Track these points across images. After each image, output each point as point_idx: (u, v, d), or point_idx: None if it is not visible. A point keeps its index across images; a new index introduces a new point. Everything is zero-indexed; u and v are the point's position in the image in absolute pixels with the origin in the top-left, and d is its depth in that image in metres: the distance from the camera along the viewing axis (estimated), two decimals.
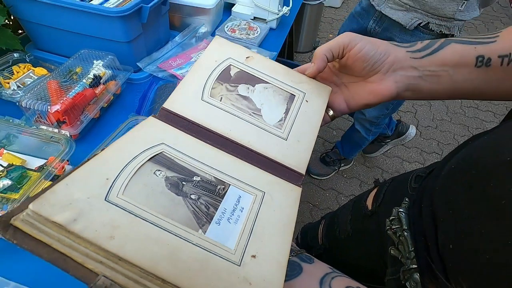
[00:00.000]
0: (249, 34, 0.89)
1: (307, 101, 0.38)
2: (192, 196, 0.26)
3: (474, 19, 0.91)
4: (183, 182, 0.27)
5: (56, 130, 0.52)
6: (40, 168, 0.49)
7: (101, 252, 0.21)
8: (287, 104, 0.37)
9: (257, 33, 0.90)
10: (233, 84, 0.36)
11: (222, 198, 0.27)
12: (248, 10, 0.97)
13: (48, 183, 0.45)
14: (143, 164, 0.27)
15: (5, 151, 0.50)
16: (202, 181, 0.28)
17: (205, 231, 0.24)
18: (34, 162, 0.51)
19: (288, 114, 0.36)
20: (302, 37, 2.20)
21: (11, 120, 0.51)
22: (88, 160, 0.26)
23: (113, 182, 0.24)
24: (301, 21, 2.08)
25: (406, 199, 0.40)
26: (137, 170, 0.26)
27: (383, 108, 1.19)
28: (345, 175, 1.61)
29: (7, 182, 0.46)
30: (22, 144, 0.52)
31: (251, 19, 0.96)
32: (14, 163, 0.49)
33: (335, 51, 0.37)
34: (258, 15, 0.96)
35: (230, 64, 0.38)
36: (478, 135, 0.35)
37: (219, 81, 0.36)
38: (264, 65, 0.39)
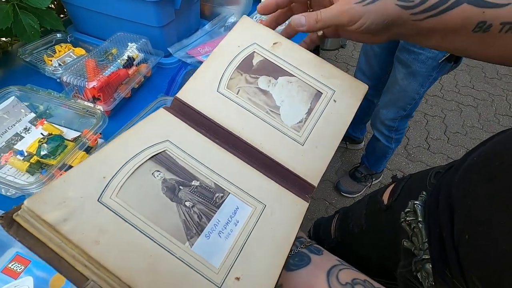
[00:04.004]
0: None
1: (335, 100, 0.33)
2: (187, 203, 0.25)
3: None
4: (180, 187, 0.26)
5: (91, 105, 0.55)
6: (76, 139, 0.52)
7: (85, 256, 0.21)
8: (311, 103, 0.33)
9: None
10: (253, 75, 0.33)
11: (218, 208, 0.26)
12: None
13: (82, 153, 0.49)
14: (143, 163, 0.26)
15: (46, 121, 0.54)
16: (201, 187, 0.26)
17: (192, 244, 0.23)
18: (70, 134, 0.55)
19: (310, 114, 0.32)
20: None
21: (53, 93, 0.56)
22: (91, 155, 0.26)
23: (109, 181, 0.24)
24: None
25: (423, 193, 0.39)
26: (136, 169, 0.25)
27: (399, 109, 1.15)
28: None
29: (45, 152, 0.50)
30: (60, 116, 0.56)
31: None
32: (53, 133, 0.53)
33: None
34: None
35: (254, 51, 0.34)
36: (504, 131, 0.34)
37: (239, 70, 0.33)
38: (292, 54, 0.35)
